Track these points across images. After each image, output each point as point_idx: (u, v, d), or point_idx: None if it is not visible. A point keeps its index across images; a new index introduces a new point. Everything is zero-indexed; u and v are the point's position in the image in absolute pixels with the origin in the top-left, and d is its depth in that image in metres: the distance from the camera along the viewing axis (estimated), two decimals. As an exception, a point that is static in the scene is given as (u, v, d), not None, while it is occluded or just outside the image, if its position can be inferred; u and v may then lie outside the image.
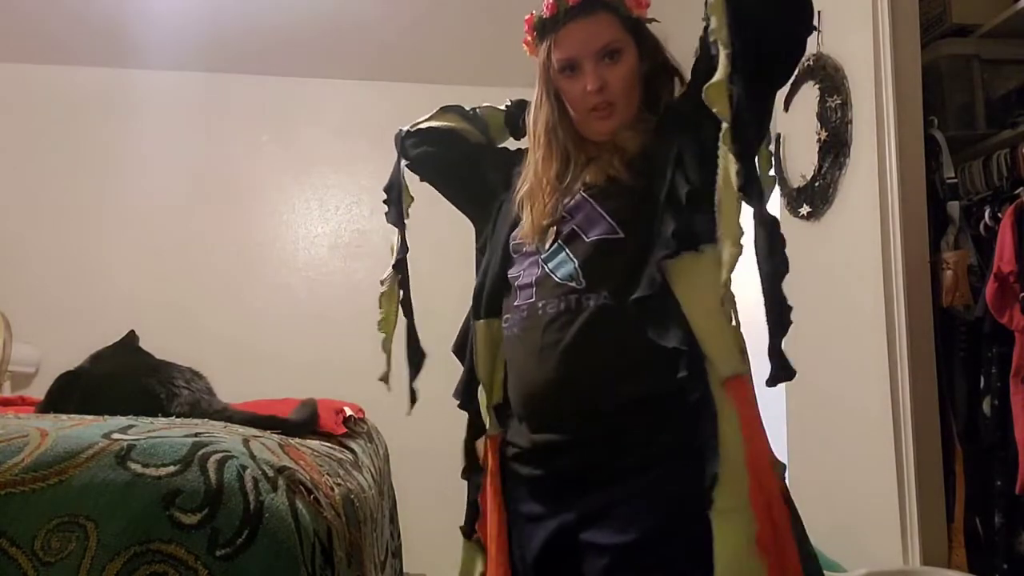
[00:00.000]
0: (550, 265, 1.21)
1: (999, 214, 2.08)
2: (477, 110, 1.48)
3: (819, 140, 2.41)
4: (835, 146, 2.35)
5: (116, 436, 0.90)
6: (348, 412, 1.75)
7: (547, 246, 1.22)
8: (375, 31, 3.38)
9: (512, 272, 1.28)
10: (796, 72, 2.54)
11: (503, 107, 1.47)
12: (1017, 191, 2.06)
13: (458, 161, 1.46)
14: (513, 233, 1.30)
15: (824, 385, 2.44)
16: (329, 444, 1.39)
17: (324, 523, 0.94)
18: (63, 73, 3.62)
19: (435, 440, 2.11)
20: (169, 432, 0.94)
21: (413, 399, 1.41)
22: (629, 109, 1.23)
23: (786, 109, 2.64)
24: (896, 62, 2.15)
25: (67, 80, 3.63)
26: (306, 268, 3.74)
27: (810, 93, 2.48)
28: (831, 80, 2.38)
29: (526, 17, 1.27)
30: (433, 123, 1.47)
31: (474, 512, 1.34)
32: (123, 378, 1.38)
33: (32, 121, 3.62)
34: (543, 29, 1.24)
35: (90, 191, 3.61)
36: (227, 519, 0.83)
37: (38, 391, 1.71)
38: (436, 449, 2.09)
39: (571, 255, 1.19)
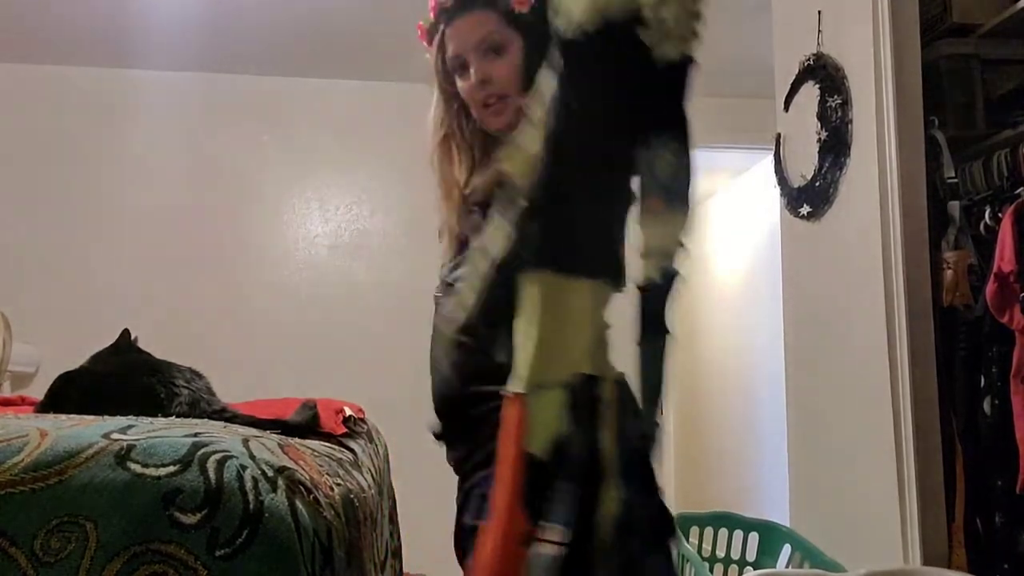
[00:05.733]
0: (451, 265, 1.29)
1: (999, 214, 2.08)
2: None
3: (819, 140, 2.41)
4: (835, 146, 2.35)
5: (116, 436, 0.90)
6: (348, 412, 1.75)
7: (454, 256, 1.30)
8: (375, 31, 3.37)
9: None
10: (797, 72, 2.55)
11: None
12: (1017, 191, 2.06)
13: None
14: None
15: (824, 385, 2.44)
16: (329, 444, 1.38)
17: (324, 523, 0.94)
18: (63, 73, 3.63)
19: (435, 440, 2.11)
20: (169, 432, 0.94)
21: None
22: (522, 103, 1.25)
23: (786, 109, 2.64)
24: (896, 62, 2.15)
25: (67, 80, 3.63)
26: (306, 268, 3.75)
27: (810, 93, 2.48)
28: (831, 80, 2.37)
29: (418, 23, 1.31)
30: None
31: None
32: (123, 378, 1.38)
33: (32, 121, 3.62)
34: (431, 32, 1.29)
35: (90, 191, 3.61)
36: (227, 519, 0.83)
37: (38, 391, 1.70)
38: (436, 449, 2.09)
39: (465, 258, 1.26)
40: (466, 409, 1.24)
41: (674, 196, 1.00)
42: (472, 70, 1.23)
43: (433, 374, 1.30)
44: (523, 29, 1.24)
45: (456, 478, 1.41)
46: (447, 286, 1.28)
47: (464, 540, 1.23)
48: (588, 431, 1.03)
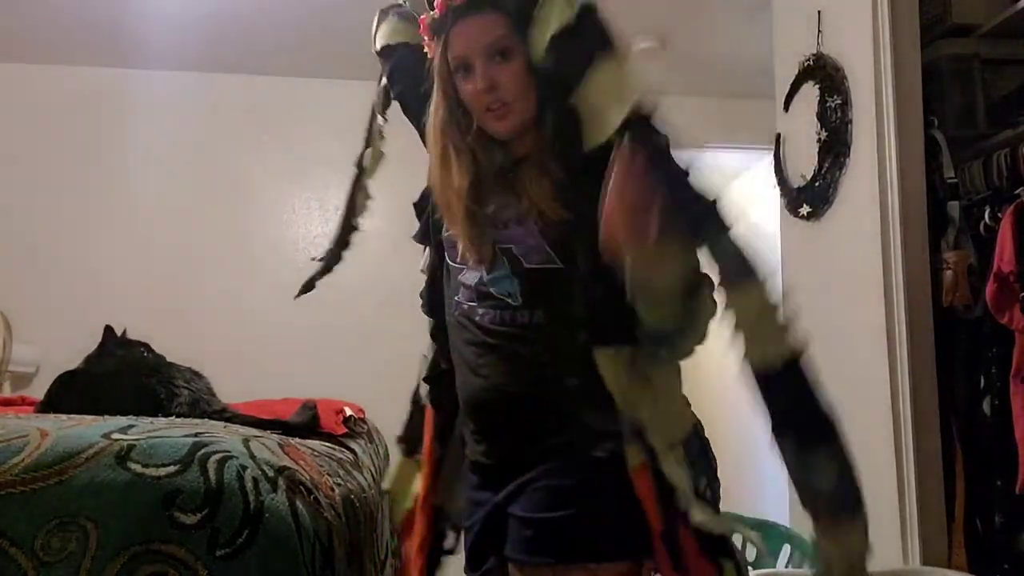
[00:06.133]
0: (487, 277, 1.24)
1: (999, 214, 2.08)
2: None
3: (819, 140, 2.41)
4: (835, 146, 2.35)
5: (116, 436, 0.90)
6: (348, 412, 1.75)
7: (489, 268, 1.24)
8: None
9: (453, 262, 1.30)
10: (797, 72, 2.55)
11: None
12: (1017, 191, 2.06)
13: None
14: (447, 234, 1.31)
15: (824, 385, 2.44)
16: (329, 444, 1.39)
17: (324, 523, 0.94)
18: (63, 73, 3.62)
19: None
20: (169, 432, 0.94)
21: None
22: (526, 109, 1.22)
23: (786, 109, 2.64)
24: (896, 62, 2.15)
25: (67, 80, 3.63)
26: (306, 268, 3.73)
27: (810, 93, 2.48)
28: (831, 80, 2.37)
29: (421, 17, 1.28)
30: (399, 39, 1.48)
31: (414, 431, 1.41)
32: (123, 378, 1.38)
33: (32, 121, 3.62)
34: (436, 30, 1.25)
35: (90, 191, 3.61)
36: (227, 519, 0.83)
37: (38, 391, 1.70)
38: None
39: (511, 275, 1.22)
40: (514, 409, 1.23)
41: (847, 503, 0.96)
42: (478, 74, 1.20)
43: (470, 378, 1.26)
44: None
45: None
46: (482, 295, 1.24)
47: (502, 528, 1.21)
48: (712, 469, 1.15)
